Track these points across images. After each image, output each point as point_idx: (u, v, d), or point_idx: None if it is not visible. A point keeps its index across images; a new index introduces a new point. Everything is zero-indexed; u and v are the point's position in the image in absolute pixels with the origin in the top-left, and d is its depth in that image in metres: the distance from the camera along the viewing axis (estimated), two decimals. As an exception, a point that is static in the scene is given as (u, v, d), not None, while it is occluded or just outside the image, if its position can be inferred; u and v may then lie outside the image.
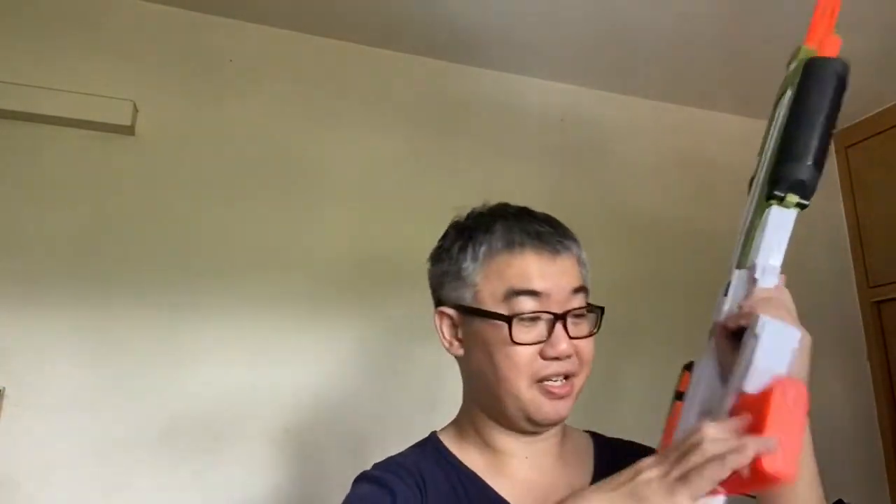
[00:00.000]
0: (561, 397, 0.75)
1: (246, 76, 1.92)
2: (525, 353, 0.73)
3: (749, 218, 0.78)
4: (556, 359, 0.73)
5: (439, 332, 0.82)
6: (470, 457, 0.81)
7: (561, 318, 0.74)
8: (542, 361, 0.73)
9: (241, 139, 1.87)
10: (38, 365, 1.56)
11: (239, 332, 1.73)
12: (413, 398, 1.76)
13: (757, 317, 0.61)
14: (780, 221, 0.73)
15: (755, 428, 0.53)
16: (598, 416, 1.99)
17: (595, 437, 0.90)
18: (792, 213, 0.72)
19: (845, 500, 1.97)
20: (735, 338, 0.66)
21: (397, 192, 1.99)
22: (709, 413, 0.64)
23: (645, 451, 0.90)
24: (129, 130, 1.75)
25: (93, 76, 1.75)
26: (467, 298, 0.78)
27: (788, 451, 0.50)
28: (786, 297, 0.68)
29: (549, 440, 0.81)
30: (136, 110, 1.76)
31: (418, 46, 2.08)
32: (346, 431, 1.74)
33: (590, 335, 0.78)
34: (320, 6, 1.89)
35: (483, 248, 0.77)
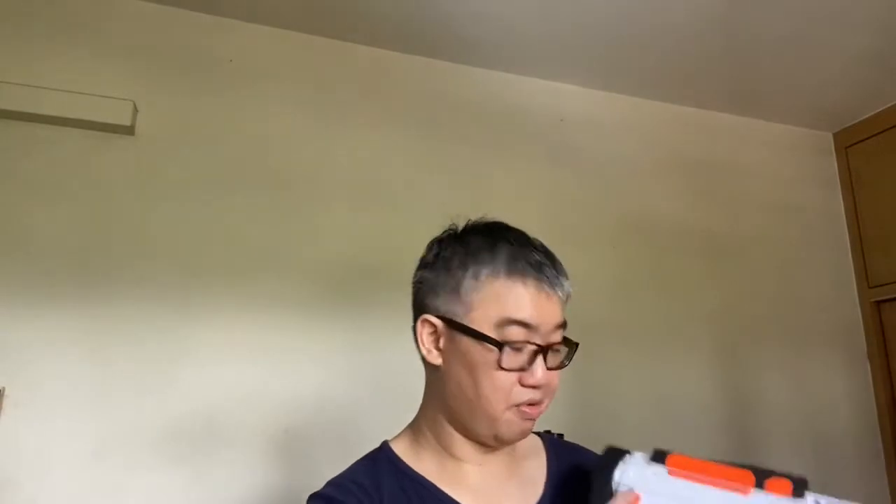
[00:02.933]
0: (531, 419, 0.79)
1: (246, 76, 1.92)
2: (507, 379, 0.76)
3: None
4: (533, 387, 0.77)
5: (419, 337, 0.83)
6: (424, 465, 0.83)
7: (544, 350, 0.77)
8: (519, 388, 0.76)
9: (241, 139, 1.87)
10: (38, 365, 1.56)
11: (238, 333, 1.73)
12: (411, 399, 1.76)
13: None
14: None
15: None
16: (597, 415, 2.01)
17: (545, 439, 0.93)
18: None
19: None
20: None
21: (397, 191, 1.99)
22: None
23: (591, 454, 0.91)
24: (129, 130, 1.75)
25: (93, 76, 1.75)
26: (459, 314, 0.79)
27: None
28: None
29: (504, 454, 0.84)
30: (136, 110, 1.76)
31: (418, 46, 2.08)
32: (345, 432, 1.74)
33: (560, 367, 0.80)
34: (321, 6, 1.89)
35: (486, 271, 0.78)
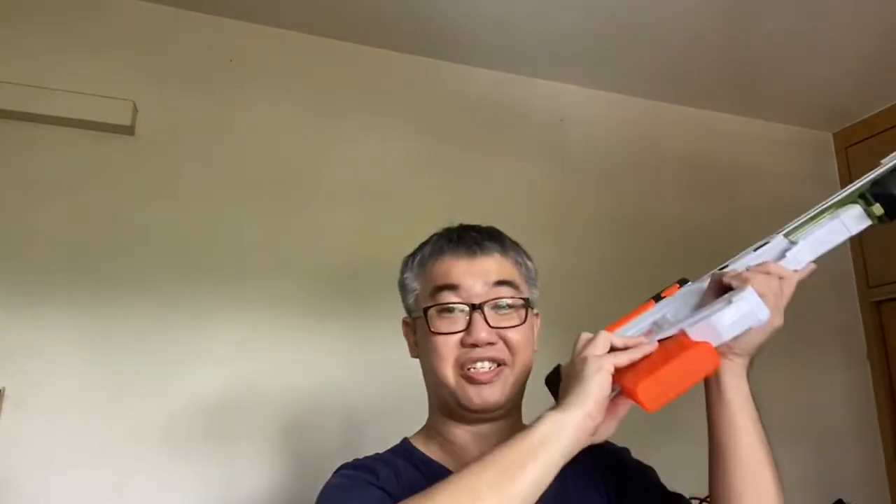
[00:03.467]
0: (485, 382, 0.80)
1: (246, 76, 1.92)
2: (445, 342, 0.81)
3: (831, 202, 0.83)
4: (475, 346, 0.80)
5: (406, 339, 0.93)
6: (436, 454, 0.88)
7: (478, 308, 0.80)
8: (462, 349, 0.80)
9: (241, 139, 1.87)
10: (38, 365, 1.56)
11: (239, 332, 1.73)
12: (411, 399, 1.76)
13: (744, 288, 0.69)
14: (846, 226, 0.80)
15: (656, 362, 0.67)
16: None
17: None
18: (860, 225, 0.79)
19: (845, 500, 1.97)
20: (723, 290, 0.75)
21: (397, 191, 1.99)
22: (658, 326, 0.76)
23: (605, 443, 0.92)
24: (129, 130, 1.75)
25: (93, 76, 1.75)
26: (411, 304, 0.89)
27: (661, 392, 0.64)
28: (788, 286, 0.75)
29: (499, 434, 0.84)
30: (136, 110, 1.76)
31: (418, 46, 2.08)
32: (346, 431, 1.74)
33: (517, 325, 0.83)
34: (320, 6, 1.89)
35: (418, 258, 0.89)
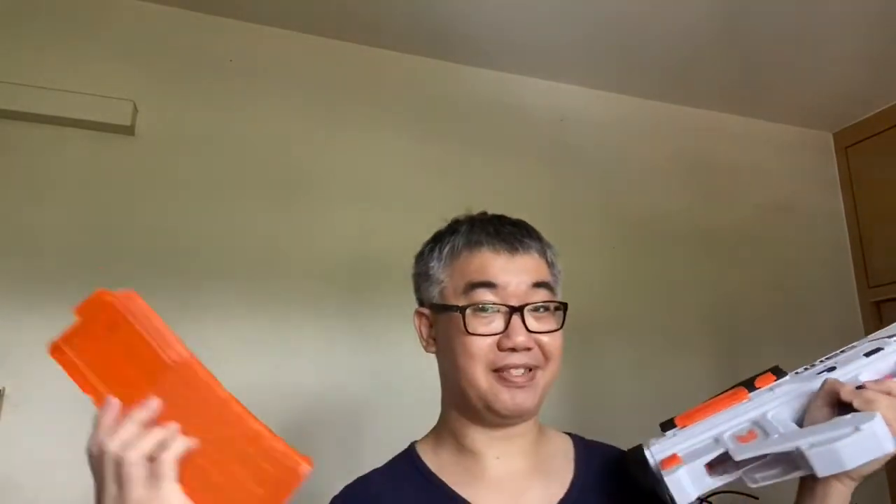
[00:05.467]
0: (520, 386, 0.76)
1: (246, 76, 1.92)
2: (481, 344, 0.75)
3: None
4: (513, 350, 0.75)
5: (418, 331, 0.86)
6: (443, 463, 0.82)
7: (518, 310, 0.75)
8: (499, 353, 0.75)
9: (241, 139, 1.87)
10: (38, 365, 1.56)
11: (239, 332, 1.73)
12: (413, 398, 1.76)
13: (872, 415, 0.63)
14: None
15: None
16: (596, 414, 2.01)
17: (575, 439, 0.89)
18: None
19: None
20: (839, 404, 0.68)
21: (397, 191, 1.99)
22: (761, 428, 0.67)
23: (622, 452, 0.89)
24: (129, 130, 1.75)
25: (93, 76, 1.75)
26: (435, 296, 0.82)
27: None
28: None
29: (521, 438, 0.82)
30: (136, 110, 1.76)
31: (418, 46, 2.08)
32: (348, 430, 1.74)
33: (553, 330, 0.78)
34: (320, 6, 1.89)
35: (447, 248, 0.82)
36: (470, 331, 0.75)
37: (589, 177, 2.24)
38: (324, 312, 1.81)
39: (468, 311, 0.76)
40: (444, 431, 0.84)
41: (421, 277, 0.85)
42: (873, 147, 2.52)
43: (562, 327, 0.79)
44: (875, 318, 2.44)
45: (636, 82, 2.30)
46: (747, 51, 2.10)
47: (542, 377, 0.78)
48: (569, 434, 0.90)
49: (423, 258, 0.86)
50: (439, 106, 2.12)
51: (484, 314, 0.76)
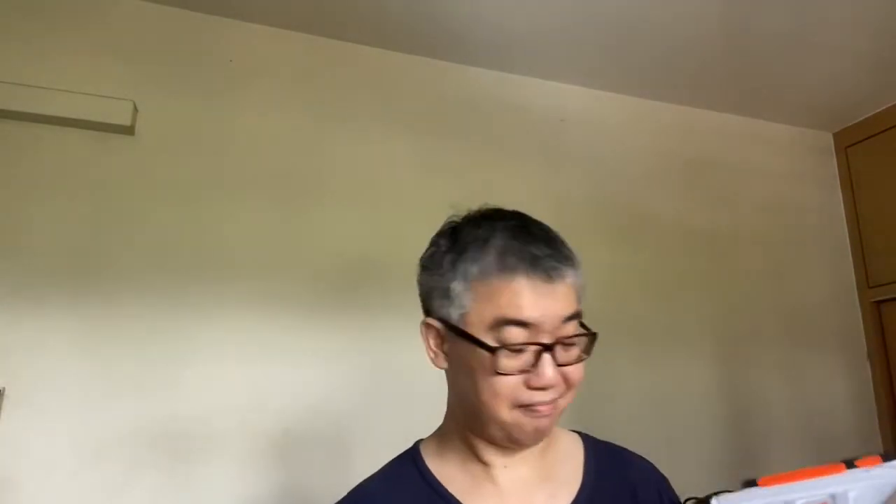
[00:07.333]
0: (544, 416, 0.72)
1: (246, 76, 1.92)
2: (508, 383, 0.70)
3: None
4: (542, 388, 0.71)
5: (425, 342, 0.79)
6: (448, 469, 0.79)
7: (550, 348, 0.70)
8: (526, 391, 0.71)
9: (241, 139, 1.87)
10: (38, 365, 1.56)
11: (238, 333, 1.73)
12: (412, 402, 1.76)
13: None
14: None
15: None
16: (596, 415, 2.01)
17: (585, 439, 0.87)
18: None
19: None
20: None
21: (397, 191, 1.99)
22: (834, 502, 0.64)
23: (636, 459, 0.87)
24: (129, 130, 1.75)
25: (93, 76, 1.75)
26: (454, 318, 0.73)
27: None
28: None
29: (533, 450, 0.80)
30: (136, 110, 1.76)
31: (418, 46, 2.08)
32: (346, 433, 1.74)
33: (578, 361, 0.73)
34: (320, 6, 1.89)
35: (475, 270, 0.72)
36: (500, 371, 0.70)
37: (589, 177, 2.24)
38: (325, 312, 1.81)
39: (501, 353, 0.69)
40: (450, 436, 0.81)
41: (435, 291, 0.76)
42: (873, 147, 2.52)
43: (588, 356, 0.74)
44: (875, 318, 2.44)
45: (636, 82, 2.30)
46: (747, 51, 2.10)
47: (563, 402, 0.74)
48: (578, 433, 0.88)
49: (440, 269, 0.76)
50: (439, 106, 2.12)
51: (514, 353, 0.70)
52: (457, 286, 0.73)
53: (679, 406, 2.10)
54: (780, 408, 2.24)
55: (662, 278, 2.24)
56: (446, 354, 0.77)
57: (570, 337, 0.72)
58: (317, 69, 2.00)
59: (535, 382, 0.70)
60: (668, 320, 2.19)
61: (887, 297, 2.40)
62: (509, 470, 0.78)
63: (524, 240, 0.73)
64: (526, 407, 0.71)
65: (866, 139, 2.55)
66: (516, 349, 0.70)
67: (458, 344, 0.74)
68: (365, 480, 0.81)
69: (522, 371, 0.70)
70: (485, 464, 0.78)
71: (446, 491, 0.77)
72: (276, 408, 1.71)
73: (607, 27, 1.98)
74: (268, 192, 1.85)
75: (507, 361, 0.70)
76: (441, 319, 0.75)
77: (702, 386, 2.16)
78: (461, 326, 0.72)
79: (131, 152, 1.76)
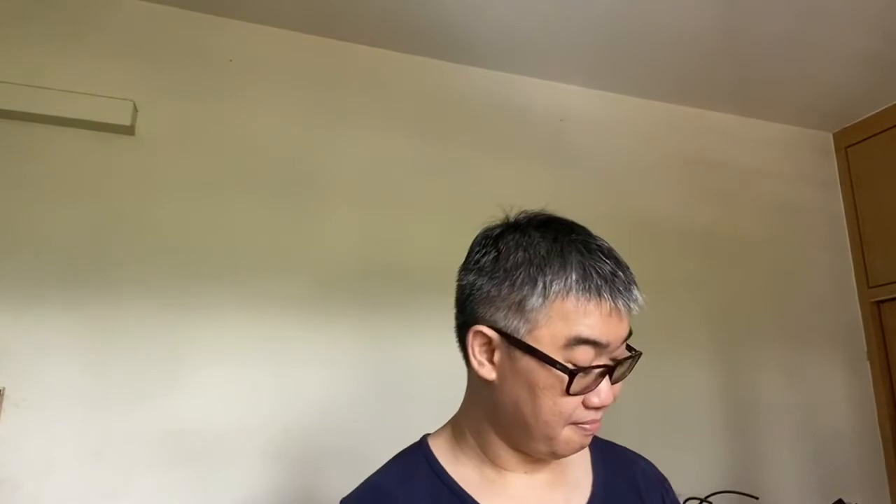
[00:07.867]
0: (592, 433, 0.74)
1: (246, 76, 1.92)
2: (573, 403, 0.70)
3: None
4: (597, 408, 0.72)
5: (470, 349, 0.74)
6: (462, 469, 0.78)
7: (612, 370, 0.71)
8: (583, 410, 0.71)
9: (241, 139, 1.87)
10: (38, 365, 1.56)
11: (240, 333, 1.73)
12: (415, 402, 1.76)
13: None
14: None
15: None
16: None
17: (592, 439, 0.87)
18: None
19: (845, 500, 1.97)
20: None
21: (397, 191, 1.98)
22: None
23: (638, 458, 0.88)
24: (129, 130, 1.75)
25: (93, 76, 1.75)
26: (521, 331, 0.70)
27: None
28: None
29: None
30: (136, 110, 1.76)
31: (418, 46, 2.08)
32: (346, 434, 1.74)
33: (622, 378, 0.75)
34: (320, 6, 1.89)
35: (556, 287, 0.70)
36: (571, 392, 0.69)
37: (589, 177, 2.24)
38: (326, 312, 1.81)
39: (578, 375, 0.68)
40: (466, 438, 0.79)
41: (502, 301, 0.72)
42: (873, 147, 2.52)
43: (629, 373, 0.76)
44: (875, 318, 2.44)
45: (636, 82, 2.30)
46: (747, 51, 2.10)
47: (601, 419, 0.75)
48: None
49: (510, 279, 0.72)
50: (440, 106, 2.12)
51: (584, 374, 0.69)
52: (533, 302, 0.70)
53: (679, 406, 2.10)
54: (779, 407, 2.24)
55: (662, 278, 2.24)
56: (494, 365, 0.73)
57: (626, 359, 0.73)
58: (317, 69, 2.01)
59: (594, 401, 0.70)
60: (668, 320, 2.19)
61: (887, 297, 2.40)
62: (528, 476, 0.78)
63: (599, 258, 0.74)
64: (577, 424, 0.72)
65: (866, 139, 2.55)
66: (586, 370, 0.69)
67: (518, 358, 0.71)
68: (376, 475, 0.80)
69: (585, 391, 0.70)
70: (501, 468, 0.77)
71: (464, 491, 0.76)
72: (277, 408, 1.71)
73: (607, 27, 1.98)
74: (268, 191, 1.85)
75: (577, 382, 0.69)
76: (500, 330, 0.72)
77: (702, 386, 2.16)
78: (529, 342, 0.70)
79: (131, 152, 1.76)
